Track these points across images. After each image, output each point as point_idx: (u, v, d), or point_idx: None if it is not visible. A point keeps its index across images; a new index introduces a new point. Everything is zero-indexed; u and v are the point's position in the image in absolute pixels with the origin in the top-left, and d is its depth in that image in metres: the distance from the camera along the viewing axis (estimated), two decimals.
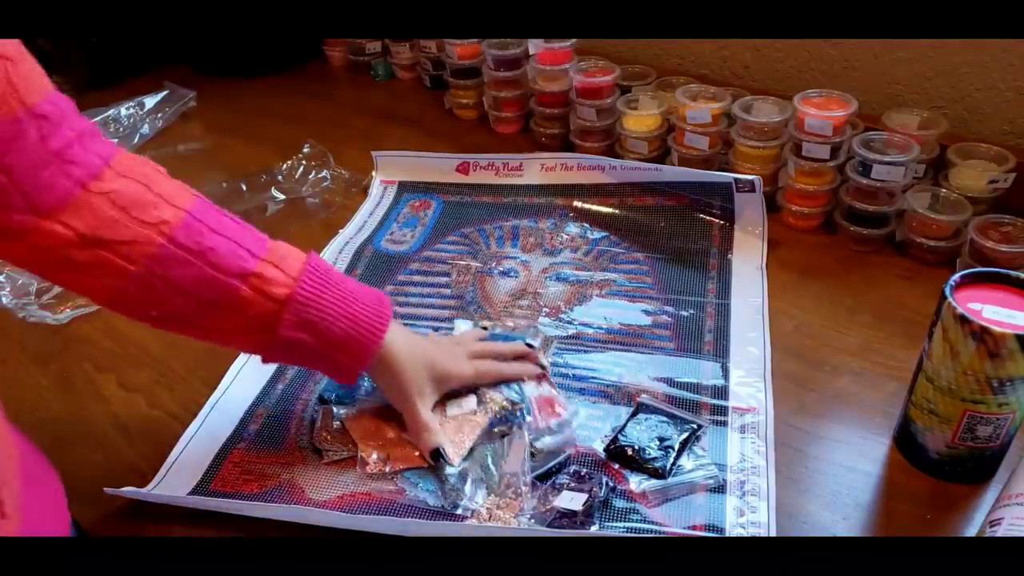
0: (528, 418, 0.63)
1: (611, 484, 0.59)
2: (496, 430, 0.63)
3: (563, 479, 0.60)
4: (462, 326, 0.76)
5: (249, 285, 0.54)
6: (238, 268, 0.53)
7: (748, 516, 0.56)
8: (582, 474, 0.60)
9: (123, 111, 1.17)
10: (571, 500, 0.59)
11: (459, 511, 0.58)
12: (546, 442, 0.62)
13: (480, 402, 0.65)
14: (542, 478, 0.60)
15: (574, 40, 1.04)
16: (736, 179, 0.85)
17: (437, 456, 0.60)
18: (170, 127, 1.20)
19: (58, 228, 0.48)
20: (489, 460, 0.61)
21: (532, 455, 0.61)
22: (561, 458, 0.61)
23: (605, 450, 0.62)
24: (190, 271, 0.52)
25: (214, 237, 0.53)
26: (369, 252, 0.89)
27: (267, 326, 0.55)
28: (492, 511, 0.58)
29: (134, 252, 0.50)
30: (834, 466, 0.61)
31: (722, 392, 0.67)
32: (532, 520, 0.57)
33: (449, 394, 0.65)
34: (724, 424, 0.64)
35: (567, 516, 0.57)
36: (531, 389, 0.66)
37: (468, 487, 0.60)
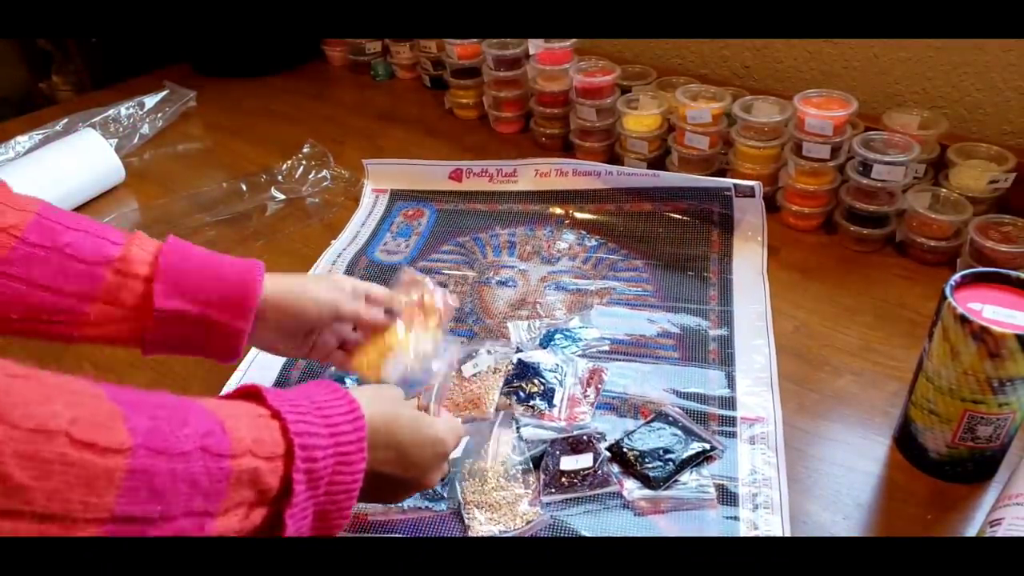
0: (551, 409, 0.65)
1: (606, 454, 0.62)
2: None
3: (557, 451, 0.62)
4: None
5: (114, 270, 0.53)
6: (102, 256, 0.53)
7: (762, 530, 0.56)
8: (580, 440, 0.62)
9: (123, 111, 1.17)
10: (576, 461, 0.60)
11: (462, 509, 0.58)
12: (531, 432, 0.63)
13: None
14: (535, 463, 0.62)
15: (574, 40, 1.04)
16: (735, 184, 0.85)
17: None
18: (170, 127, 1.20)
19: None
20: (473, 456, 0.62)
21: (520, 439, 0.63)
22: (546, 446, 0.63)
23: (608, 448, 0.62)
24: (51, 268, 0.51)
25: (69, 233, 0.52)
26: (364, 263, 0.87)
27: (141, 308, 0.53)
28: (494, 502, 0.58)
29: None
30: (834, 466, 0.61)
31: (730, 402, 0.66)
32: (552, 490, 0.59)
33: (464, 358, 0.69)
34: (733, 435, 0.63)
35: (579, 475, 0.59)
36: (570, 382, 0.68)
37: (460, 486, 0.60)
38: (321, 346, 0.61)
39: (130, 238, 0.55)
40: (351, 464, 0.45)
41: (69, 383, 0.35)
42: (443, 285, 0.83)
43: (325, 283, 0.61)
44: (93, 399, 0.35)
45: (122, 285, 0.53)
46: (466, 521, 0.57)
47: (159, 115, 1.19)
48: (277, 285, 0.58)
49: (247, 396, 0.46)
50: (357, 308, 0.61)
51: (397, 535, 0.57)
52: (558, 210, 0.93)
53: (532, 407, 0.65)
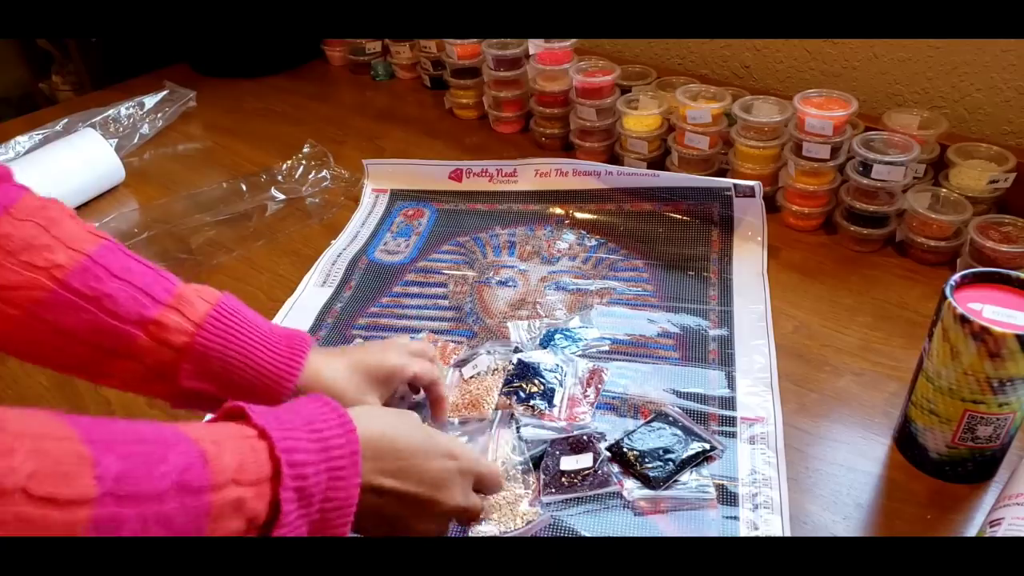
0: (550, 409, 0.65)
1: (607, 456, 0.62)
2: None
3: (557, 451, 0.62)
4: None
5: (147, 333, 0.51)
6: (137, 315, 0.51)
7: (762, 530, 0.56)
8: (580, 440, 0.62)
9: (123, 111, 1.17)
10: (576, 462, 0.60)
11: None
12: (531, 432, 0.63)
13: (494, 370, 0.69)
14: (535, 464, 0.61)
15: (574, 40, 1.04)
16: (736, 184, 0.85)
17: None
18: (170, 127, 1.20)
19: None
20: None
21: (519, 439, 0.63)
22: (546, 446, 0.62)
23: (608, 448, 0.62)
24: (84, 317, 0.50)
25: (113, 283, 0.51)
26: (364, 263, 0.87)
27: (167, 375, 0.53)
28: (494, 502, 0.58)
29: (17, 297, 0.49)
30: (834, 466, 0.61)
31: (729, 403, 0.66)
32: (552, 490, 0.59)
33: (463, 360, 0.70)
34: (733, 435, 0.63)
35: (579, 475, 0.59)
36: (570, 382, 0.68)
37: None
38: None
39: (175, 297, 0.53)
40: (345, 479, 0.43)
41: (39, 426, 0.33)
42: (443, 285, 0.84)
43: (363, 378, 0.58)
44: (61, 443, 0.33)
45: (153, 350, 0.52)
46: None
47: (159, 115, 1.19)
48: (313, 373, 0.56)
49: (233, 416, 0.44)
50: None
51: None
52: (558, 210, 0.93)
53: (532, 407, 0.65)
